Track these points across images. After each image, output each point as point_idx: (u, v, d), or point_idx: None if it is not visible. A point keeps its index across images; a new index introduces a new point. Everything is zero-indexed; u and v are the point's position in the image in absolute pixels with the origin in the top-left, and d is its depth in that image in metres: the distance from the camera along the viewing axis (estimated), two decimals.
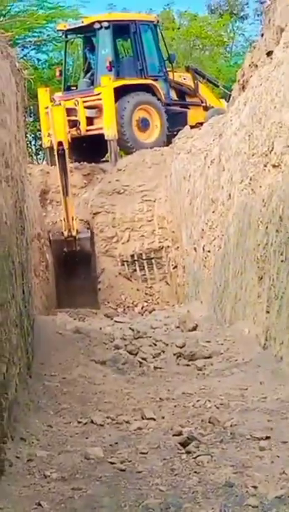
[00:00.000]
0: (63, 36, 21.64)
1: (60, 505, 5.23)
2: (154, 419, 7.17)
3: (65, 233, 17.68)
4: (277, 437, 6.29)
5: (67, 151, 17.40)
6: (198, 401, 7.68)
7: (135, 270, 18.53)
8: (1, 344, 6.37)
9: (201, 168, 15.02)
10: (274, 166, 9.40)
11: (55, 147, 17.53)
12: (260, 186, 9.98)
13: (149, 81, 20.18)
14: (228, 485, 5.35)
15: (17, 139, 9.21)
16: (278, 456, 5.87)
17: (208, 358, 9.72)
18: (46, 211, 18.77)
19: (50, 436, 6.73)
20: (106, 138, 19.20)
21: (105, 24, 19.86)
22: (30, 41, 26.63)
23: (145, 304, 17.85)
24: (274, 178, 9.34)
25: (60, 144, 17.40)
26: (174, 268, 18.05)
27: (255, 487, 5.27)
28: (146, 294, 18.33)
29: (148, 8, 31.77)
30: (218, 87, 23.45)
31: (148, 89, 20.08)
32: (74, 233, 17.64)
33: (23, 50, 26.07)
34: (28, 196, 11.24)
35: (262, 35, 11.13)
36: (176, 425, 6.85)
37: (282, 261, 8.63)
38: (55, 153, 17.54)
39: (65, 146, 17.42)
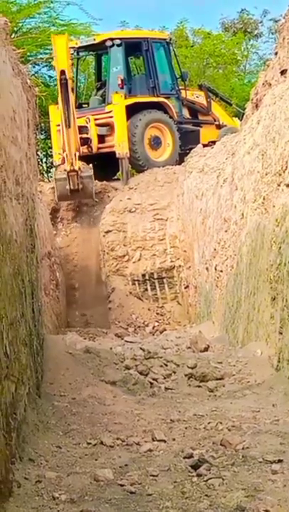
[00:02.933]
0: (75, 53, 21.68)
1: None
2: (165, 441, 7.17)
3: (67, 167, 17.73)
4: None
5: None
6: (209, 423, 7.68)
7: (146, 290, 18.53)
8: (11, 363, 6.38)
9: (214, 187, 15.04)
10: (287, 186, 9.41)
11: (57, 77, 17.71)
12: (274, 206, 9.99)
13: (161, 99, 20.23)
14: (239, 509, 5.35)
15: (28, 157, 9.24)
16: None
17: (220, 379, 9.71)
18: (57, 229, 18.82)
19: (59, 458, 6.73)
20: (117, 156, 19.24)
21: (117, 41, 19.93)
22: (41, 58, 26.73)
23: (156, 323, 17.84)
24: (288, 198, 9.35)
25: (62, 72, 17.42)
26: (185, 288, 18.04)
27: (267, 511, 5.27)
28: (157, 313, 18.32)
29: (161, 25, 31.98)
30: (231, 105, 23.50)
31: (160, 107, 20.14)
32: (76, 168, 17.70)
33: (34, 67, 26.14)
34: (38, 214, 11.27)
35: (276, 53, 11.16)
36: (187, 447, 6.86)
37: None
38: (58, 82, 17.67)
39: (68, 75, 17.46)
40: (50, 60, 27.38)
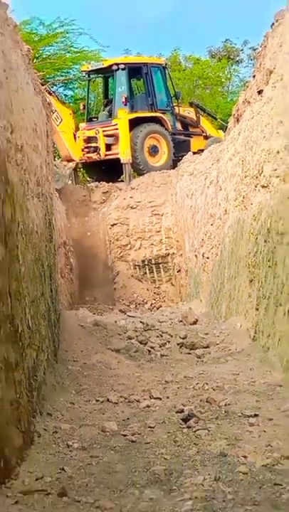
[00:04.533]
0: (86, 76, 21.67)
1: (80, 470, 5.24)
2: (160, 399, 7.20)
3: None
4: (264, 415, 6.30)
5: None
6: (197, 384, 7.69)
7: (145, 273, 18.53)
8: (32, 334, 6.39)
9: (202, 188, 15.01)
10: (263, 187, 9.39)
11: None
12: (251, 204, 9.97)
13: (158, 114, 20.18)
14: (222, 455, 5.36)
15: (47, 162, 9.23)
16: (265, 431, 5.87)
17: (206, 347, 9.72)
18: (70, 223, 18.78)
19: (73, 412, 6.76)
20: (122, 162, 19.21)
21: (122, 66, 19.88)
22: (58, 80, 26.68)
23: (153, 301, 17.84)
24: (263, 197, 9.33)
25: None
26: (178, 271, 18.04)
27: (245, 457, 5.28)
28: (154, 293, 18.32)
29: (158, 52, 31.82)
30: (216, 119, 23.43)
31: (157, 120, 20.09)
32: None
33: (52, 87, 26.11)
34: (55, 210, 11.25)
35: (254, 76, 11.11)
36: (179, 404, 6.87)
37: (269, 266, 8.62)
38: None
39: None
40: (65, 81, 27.32)
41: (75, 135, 19.76)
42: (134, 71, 20.29)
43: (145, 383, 7.98)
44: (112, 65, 20.05)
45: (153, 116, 20.04)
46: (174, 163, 19.86)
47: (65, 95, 28.60)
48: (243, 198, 10.57)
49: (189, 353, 9.65)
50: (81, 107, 21.53)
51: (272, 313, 8.34)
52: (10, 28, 7.16)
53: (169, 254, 18.42)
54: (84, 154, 19.89)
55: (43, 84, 10.66)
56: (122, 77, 19.95)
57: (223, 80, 36.00)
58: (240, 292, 10.36)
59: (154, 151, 19.88)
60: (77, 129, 20.07)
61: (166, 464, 5.30)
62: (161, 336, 10.52)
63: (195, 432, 6.02)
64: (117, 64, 19.97)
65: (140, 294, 18.15)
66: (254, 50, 31.73)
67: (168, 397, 7.26)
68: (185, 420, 6.32)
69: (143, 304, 17.69)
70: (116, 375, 8.37)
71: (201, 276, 14.57)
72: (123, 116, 19.23)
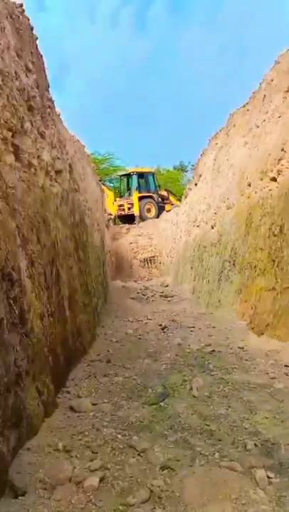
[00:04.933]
0: (119, 177, 21.60)
1: (116, 350, 5.02)
2: (152, 320, 7.06)
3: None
4: (197, 327, 6.11)
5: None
6: (168, 313, 7.54)
7: (145, 265, 18.45)
8: (95, 291, 6.28)
9: (170, 226, 14.94)
10: (196, 226, 9.27)
11: None
12: (190, 235, 9.89)
13: (150, 194, 20.09)
14: (178, 344, 5.25)
15: (101, 215, 9.11)
16: (197, 334, 5.65)
17: (171, 297, 9.62)
18: (112, 243, 18.71)
19: (113, 325, 6.53)
20: (135, 215, 19.15)
21: (134, 173, 19.81)
22: (106, 178, 26.52)
23: (148, 276, 17.74)
24: (196, 231, 9.23)
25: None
26: (160, 263, 17.98)
27: (189, 345, 5.15)
28: (149, 273, 18.23)
29: (151, 165, 31.61)
30: (176, 196, 23.34)
31: (151, 197, 20.01)
32: None
33: (104, 181, 25.98)
34: (106, 236, 11.16)
35: (193, 177, 11.08)
36: (160, 321, 6.73)
37: (200, 261, 8.49)
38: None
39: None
40: (109, 179, 27.13)
41: (113, 203, 19.70)
42: (140, 175, 20.21)
43: (145, 312, 7.88)
44: (130, 172, 19.99)
45: (149, 195, 19.97)
46: (158, 216, 19.78)
47: (110, 184, 28.51)
48: (188, 231, 10.51)
49: (164, 299, 9.57)
50: (117, 191, 21.43)
51: (201, 281, 8.25)
52: (86, 156, 7.13)
53: (155, 256, 18.35)
54: (117, 211, 19.83)
55: (100, 180, 10.62)
56: (134, 178, 19.88)
57: (179, 178, 35.79)
58: (186, 272, 10.29)
59: (148, 210, 19.80)
60: (114, 200, 20.01)
61: (154, 348, 5.20)
62: (152, 292, 10.45)
63: (167, 334, 5.90)
64: (132, 172, 19.92)
65: (143, 274, 18.08)
66: (193, 165, 31.59)
67: (155, 319, 7.14)
68: (163, 329, 6.22)
69: (143, 278, 17.61)
70: (132, 309, 8.27)
71: (169, 266, 14.50)
72: (135, 195, 19.16)
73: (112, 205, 19.86)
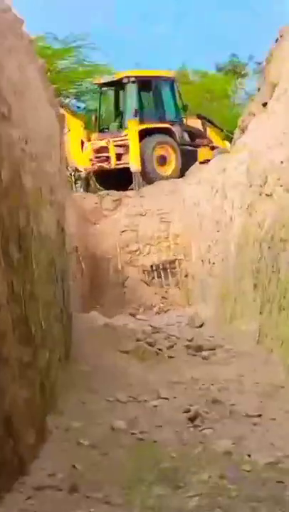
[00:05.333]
0: (98, 88, 21.73)
1: (90, 467, 5.23)
2: (168, 399, 7.19)
3: None
4: (267, 415, 6.31)
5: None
6: (203, 384, 7.70)
7: (154, 278, 18.48)
8: (45, 335, 6.39)
9: (208, 196, 15.01)
10: (267, 195, 9.39)
11: None
12: (256, 211, 9.97)
13: (166, 125, 20.17)
14: (227, 453, 5.38)
15: (60, 171, 9.24)
16: (268, 431, 5.89)
17: (212, 349, 9.70)
18: (82, 229, 18.79)
19: (84, 411, 6.75)
20: (131, 170, 19.22)
21: (132, 79, 19.90)
22: (71, 92, 26.74)
23: (161, 305, 17.76)
24: (267, 205, 9.33)
25: None
26: (185, 276, 18.00)
27: (249, 455, 5.30)
28: (162, 297, 18.26)
29: (167, 66, 31.82)
30: (222, 131, 23.38)
31: (166, 131, 20.09)
32: None
33: (65, 99, 26.15)
34: (68, 217, 11.25)
35: (258, 89, 11.14)
36: (186, 404, 6.87)
37: (273, 272, 8.62)
38: None
39: None
40: (78, 93, 27.40)
41: (83, 146, 19.78)
42: (144, 84, 20.28)
43: (153, 384, 7.96)
44: (122, 78, 20.08)
45: (162, 127, 20.03)
46: (181, 173, 19.85)
47: (78, 107, 28.65)
48: (248, 206, 10.56)
49: (195, 355, 9.63)
50: (93, 119, 21.53)
51: (275, 316, 8.34)
52: (25, 42, 7.19)
53: (176, 260, 18.38)
54: (94, 162, 19.90)
55: (56, 97, 10.68)
56: (132, 89, 19.97)
57: (229, 93, 35.99)
58: (244, 296, 10.34)
59: (162, 160, 19.86)
60: (89, 139, 20.08)
61: (173, 461, 5.30)
62: (169, 339, 10.51)
63: (201, 431, 6.03)
64: (127, 77, 19.99)
65: (148, 298, 18.11)
66: (259, 64, 31.73)
67: (175, 398, 7.25)
68: (191, 419, 6.33)
69: (151, 308, 17.63)
70: (125, 375, 8.35)
71: (208, 281, 14.55)
72: (133, 127, 19.22)
73: (80, 152, 19.95)
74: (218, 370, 8.45)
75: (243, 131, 12.03)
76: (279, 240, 8.44)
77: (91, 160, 19.91)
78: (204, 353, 9.56)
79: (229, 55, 39.24)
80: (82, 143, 19.91)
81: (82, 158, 19.83)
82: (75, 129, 19.44)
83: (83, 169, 20.27)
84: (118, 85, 20.67)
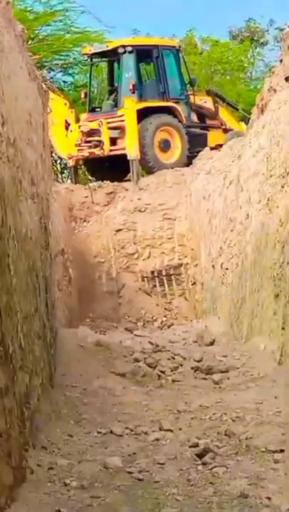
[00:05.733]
0: (88, 60, 21.71)
1: None
2: (172, 431, 7.19)
3: None
4: None
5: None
6: (214, 414, 7.69)
7: (155, 286, 18.51)
8: (25, 355, 6.39)
9: (220, 188, 15.03)
10: None
11: None
12: (277, 206, 9.98)
13: (170, 103, 20.18)
14: (242, 496, 5.36)
15: (43, 158, 9.25)
16: None
17: (225, 372, 9.71)
18: (70, 228, 18.80)
19: (71, 446, 6.74)
20: (128, 158, 19.20)
21: (129, 48, 19.89)
22: (57, 64, 26.74)
23: (164, 318, 17.81)
24: (285, 206, 9.33)
25: None
26: (192, 284, 18.02)
27: (269, 498, 5.28)
28: (165, 309, 18.29)
29: (171, 33, 31.84)
30: (237, 110, 23.44)
31: (170, 111, 20.09)
32: None
33: (49, 72, 26.13)
34: (52, 213, 11.27)
35: (281, 60, 11.13)
36: (193, 437, 6.87)
37: None
38: None
39: None
40: (64, 66, 27.41)
41: (67, 128, 19.73)
42: (144, 54, 20.31)
43: (154, 413, 7.96)
44: (118, 48, 20.07)
45: (165, 106, 20.04)
46: (188, 160, 19.86)
47: (64, 82, 28.65)
48: (268, 200, 10.57)
49: (205, 379, 9.62)
50: (82, 96, 21.51)
51: None
52: (1, 4, 7.18)
53: (182, 265, 18.41)
54: (81, 148, 19.87)
55: (39, 69, 10.70)
56: (129, 61, 19.97)
57: (245, 64, 35.98)
58: (264, 309, 10.34)
59: (165, 146, 19.87)
60: (77, 120, 20.06)
61: (179, 505, 5.29)
62: (173, 359, 10.51)
63: (211, 469, 6.00)
64: (123, 46, 19.99)
65: (149, 310, 18.12)
66: (281, 30, 31.73)
67: (180, 429, 7.24)
68: (200, 456, 6.30)
69: (152, 322, 17.65)
70: (121, 403, 8.35)
71: (220, 290, 14.56)
72: (130, 105, 19.22)
73: (64, 136, 19.91)
74: (232, 396, 8.45)
75: (261, 110, 12.04)
76: None
77: (79, 145, 19.86)
78: (215, 377, 9.56)
79: (245, 19, 39.26)
80: (68, 125, 19.82)
81: (66, 144, 19.78)
82: (56, 107, 19.40)
83: (67, 157, 20.25)
84: (112, 56, 20.68)
